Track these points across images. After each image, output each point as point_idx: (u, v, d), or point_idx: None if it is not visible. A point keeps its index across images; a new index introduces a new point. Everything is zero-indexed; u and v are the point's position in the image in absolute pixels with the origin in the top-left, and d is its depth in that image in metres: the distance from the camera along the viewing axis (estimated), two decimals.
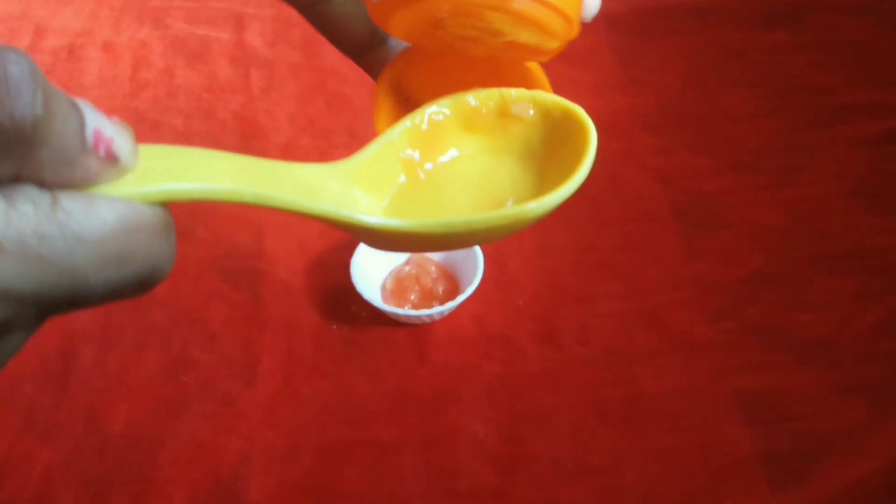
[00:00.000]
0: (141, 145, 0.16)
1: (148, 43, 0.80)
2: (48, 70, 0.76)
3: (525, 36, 0.24)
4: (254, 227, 0.62)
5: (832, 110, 0.69)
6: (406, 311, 0.53)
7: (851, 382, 0.51)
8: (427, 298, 0.54)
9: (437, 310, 0.52)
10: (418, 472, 0.47)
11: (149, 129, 0.70)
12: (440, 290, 0.54)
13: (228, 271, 0.59)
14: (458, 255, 0.56)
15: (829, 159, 0.65)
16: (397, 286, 0.55)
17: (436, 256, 0.57)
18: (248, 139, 0.69)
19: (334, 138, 0.69)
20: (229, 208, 0.63)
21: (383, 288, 0.55)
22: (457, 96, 0.26)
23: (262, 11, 0.83)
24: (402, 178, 0.25)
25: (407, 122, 0.25)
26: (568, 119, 0.24)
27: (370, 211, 0.23)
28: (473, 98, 0.26)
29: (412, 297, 0.54)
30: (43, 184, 0.14)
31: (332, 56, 0.76)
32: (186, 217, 0.62)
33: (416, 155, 0.25)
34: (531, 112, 0.25)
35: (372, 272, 0.55)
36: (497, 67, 0.27)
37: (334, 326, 0.55)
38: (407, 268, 0.55)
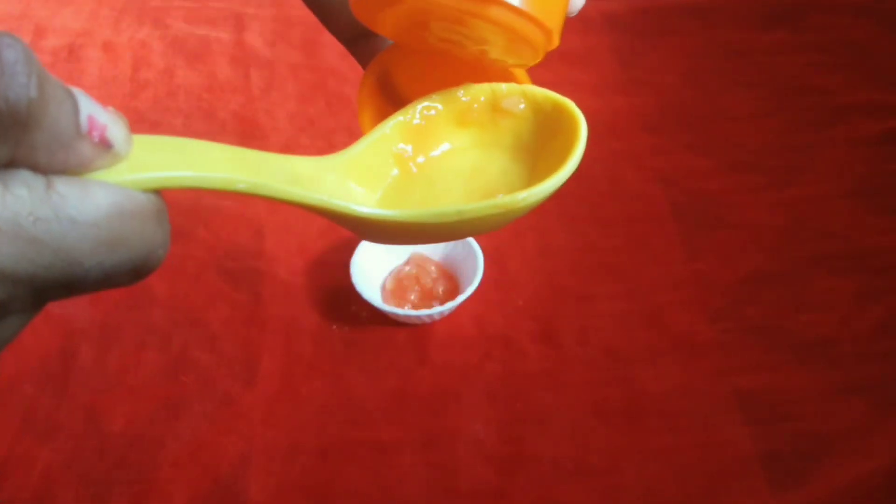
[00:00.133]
0: (135, 135, 0.17)
1: (148, 43, 0.80)
2: (48, 70, 0.76)
3: (505, 44, 0.24)
4: (254, 227, 0.62)
5: (832, 110, 0.69)
6: (406, 311, 0.53)
7: (851, 382, 0.51)
8: (427, 298, 0.54)
9: (437, 310, 0.52)
10: (418, 472, 0.47)
11: (149, 129, 0.70)
12: (440, 290, 0.54)
13: (228, 271, 0.59)
14: (458, 255, 0.56)
15: (829, 159, 0.65)
16: (397, 286, 0.55)
17: (436, 256, 0.57)
18: (248, 139, 0.69)
19: (334, 138, 0.69)
20: (229, 208, 0.63)
21: (383, 288, 0.55)
22: (448, 91, 0.26)
23: (262, 11, 0.83)
24: (395, 171, 0.25)
25: (399, 117, 0.25)
26: (558, 112, 0.25)
27: (363, 202, 0.23)
28: (465, 93, 0.26)
29: (412, 297, 0.54)
30: (38, 168, 0.15)
31: (332, 56, 0.77)
32: (186, 217, 0.62)
33: (409, 149, 0.26)
34: (522, 106, 0.26)
35: (372, 272, 0.55)
36: (482, 68, 0.27)
37: (334, 326, 0.55)
38: (407, 268, 0.55)
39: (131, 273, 0.16)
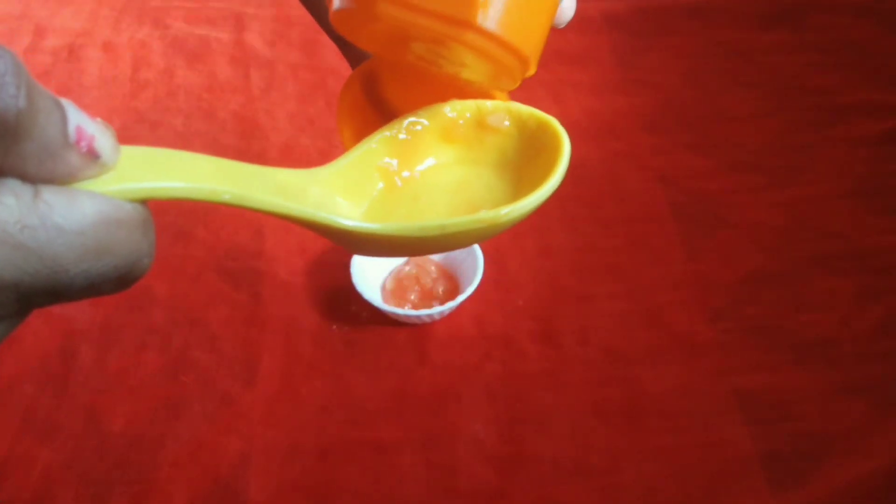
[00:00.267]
0: (123, 146, 0.17)
1: (148, 43, 0.80)
2: (48, 70, 0.76)
3: (481, 68, 0.25)
4: (254, 227, 0.62)
5: (832, 110, 0.69)
6: (406, 311, 0.53)
7: (851, 382, 0.51)
8: (427, 298, 0.54)
9: (437, 310, 0.52)
10: (418, 472, 0.47)
11: (149, 129, 0.70)
12: (440, 290, 0.54)
13: (228, 271, 0.59)
14: (458, 255, 0.56)
15: (829, 159, 0.65)
16: (397, 286, 0.55)
17: (436, 256, 0.57)
18: (248, 139, 0.69)
19: (334, 138, 0.69)
20: (229, 209, 0.62)
21: (383, 288, 0.55)
22: (434, 107, 0.26)
23: (262, 11, 0.83)
24: (381, 185, 0.26)
25: (386, 132, 0.26)
26: (542, 130, 0.25)
27: (349, 215, 0.23)
28: (451, 109, 0.26)
29: (412, 297, 0.54)
30: (26, 178, 0.15)
31: (332, 56, 0.77)
32: (186, 217, 0.62)
33: (395, 163, 0.26)
34: (507, 123, 0.26)
35: (372, 272, 0.55)
36: (461, 85, 0.28)
37: (334, 326, 0.55)
38: (407, 268, 0.55)
39: (116, 281, 0.17)
